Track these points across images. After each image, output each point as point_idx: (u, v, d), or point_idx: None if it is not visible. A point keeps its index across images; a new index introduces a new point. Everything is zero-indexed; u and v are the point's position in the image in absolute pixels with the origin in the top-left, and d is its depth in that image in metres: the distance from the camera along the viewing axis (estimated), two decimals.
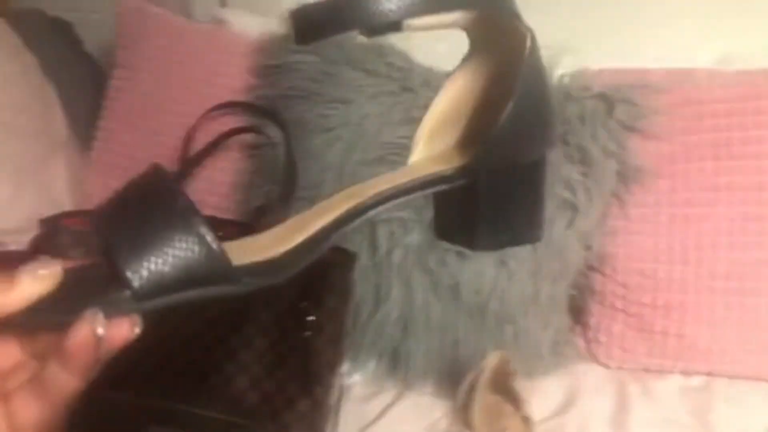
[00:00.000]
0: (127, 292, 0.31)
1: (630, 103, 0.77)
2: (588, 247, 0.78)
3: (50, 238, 0.74)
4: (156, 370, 0.66)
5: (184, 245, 0.31)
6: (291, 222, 0.38)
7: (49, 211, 0.89)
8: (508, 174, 0.39)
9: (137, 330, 0.31)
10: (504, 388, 0.70)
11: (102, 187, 0.98)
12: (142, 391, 0.63)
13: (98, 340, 0.30)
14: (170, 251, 0.31)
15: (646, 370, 0.79)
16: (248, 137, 0.89)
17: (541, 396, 0.75)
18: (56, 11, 1.16)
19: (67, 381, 0.30)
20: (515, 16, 0.36)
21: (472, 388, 0.69)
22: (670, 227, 0.75)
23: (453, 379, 0.77)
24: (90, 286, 0.31)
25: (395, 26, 0.33)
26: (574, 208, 0.74)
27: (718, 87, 0.76)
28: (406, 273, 0.76)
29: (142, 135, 0.96)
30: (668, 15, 0.89)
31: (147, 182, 0.34)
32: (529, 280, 0.75)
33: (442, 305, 0.76)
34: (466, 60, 0.40)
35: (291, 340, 0.67)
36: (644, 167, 0.76)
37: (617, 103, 0.76)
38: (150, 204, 0.33)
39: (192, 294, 0.32)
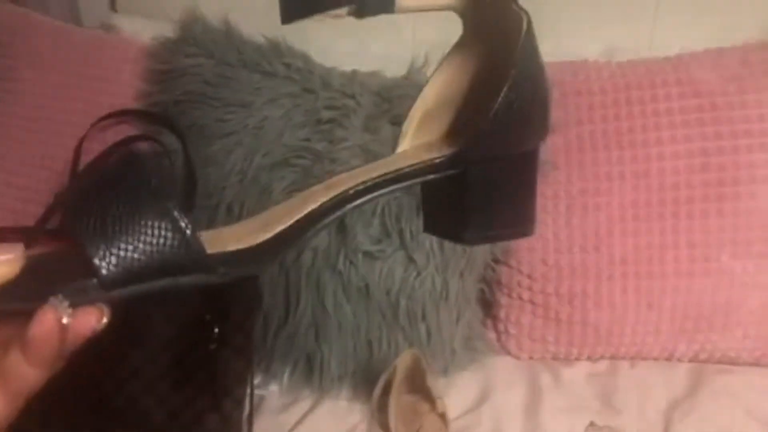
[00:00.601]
0: (95, 280, 0.28)
1: None
2: None
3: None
4: (57, 394, 0.62)
5: (156, 231, 0.29)
6: (270, 212, 0.35)
7: None
8: (500, 164, 0.37)
9: (105, 320, 0.29)
10: (418, 386, 0.69)
11: None
12: (45, 421, 0.59)
13: (63, 329, 0.28)
14: (142, 237, 0.29)
15: (556, 359, 0.81)
16: (144, 146, 0.85)
17: (456, 392, 0.75)
18: None
19: (28, 372, 0.28)
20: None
21: (386, 390, 0.69)
22: (569, 217, 0.77)
23: (369, 381, 0.76)
24: (56, 273, 0.29)
25: (388, 6, 0.33)
26: None
27: (605, 78, 0.79)
28: (316, 277, 0.75)
29: (29, 149, 0.89)
30: (557, 8, 0.92)
31: (117, 161, 0.32)
32: (437, 277, 0.75)
33: (354, 307, 0.75)
34: (458, 45, 0.39)
35: (197, 354, 0.65)
36: (543, 159, 0.78)
37: None
38: (120, 185, 0.30)
39: (164, 283, 0.30)
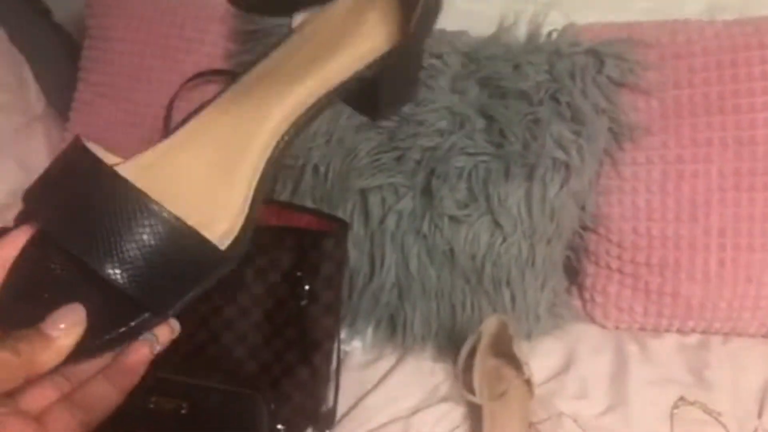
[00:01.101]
0: (147, 315, 0.32)
1: (620, 58, 0.75)
2: (582, 207, 0.78)
3: (30, 212, 0.72)
4: None
5: (182, 257, 0.31)
6: (211, 147, 0.36)
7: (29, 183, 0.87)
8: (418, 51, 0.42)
9: (177, 329, 0.34)
10: (503, 351, 0.69)
11: None
12: None
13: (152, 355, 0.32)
14: (171, 266, 0.31)
15: (643, 329, 0.79)
16: None
17: (540, 357, 0.75)
18: None
19: (111, 396, 0.32)
20: None
21: (471, 353, 0.69)
22: (663, 184, 0.75)
23: (452, 343, 0.77)
24: (109, 319, 0.31)
25: None
26: (567, 167, 0.73)
27: (708, 39, 0.75)
28: (400, 239, 0.75)
29: (118, 106, 0.93)
30: None
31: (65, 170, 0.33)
32: (524, 243, 0.74)
33: (438, 270, 0.75)
34: None
35: (287, 310, 0.66)
36: (636, 124, 0.75)
37: (606, 59, 0.75)
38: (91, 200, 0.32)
39: (199, 290, 0.33)
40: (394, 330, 0.78)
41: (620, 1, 0.84)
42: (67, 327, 0.30)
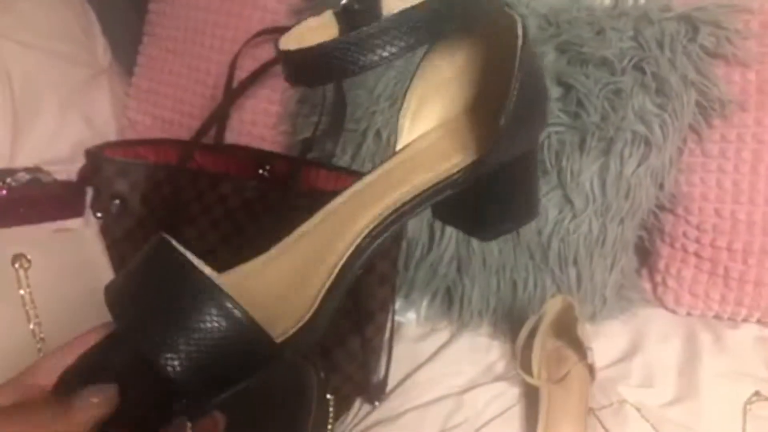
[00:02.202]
0: (184, 401, 0.30)
1: (716, 26, 0.69)
2: (660, 186, 0.72)
3: (95, 169, 0.72)
4: None
5: (228, 340, 0.30)
6: (295, 253, 0.36)
7: (93, 139, 0.87)
8: (511, 166, 0.38)
9: (222, 425, 0.33)
10: (566, 333, 0.66)
11: (144, 114, 0.95)
12: None
13: None
14: (215, 348, 0.30)
15: (718, 318, 0.74)
16: None
17: (605, 341, 0.71)
18: None
19: None
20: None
21: (532, 332, 0.66)
22: (755, 165, 0.69)
23: (510, 320, 0.74)
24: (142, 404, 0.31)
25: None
26: (647, 143, 0.68)
27: None
28: None
29: (183, 61, 0.92)
30: None
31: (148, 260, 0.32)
32: (595, 221, 0.70)
33: (500, 245, 0.72)
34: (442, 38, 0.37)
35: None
36: (728, 98, 0.69)
37: (701, 26, 0.68)
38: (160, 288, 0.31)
39: (240, 384, 0.31)
40: (451, 304, 0.76)
41: None
42: (93, 402, 0.29)
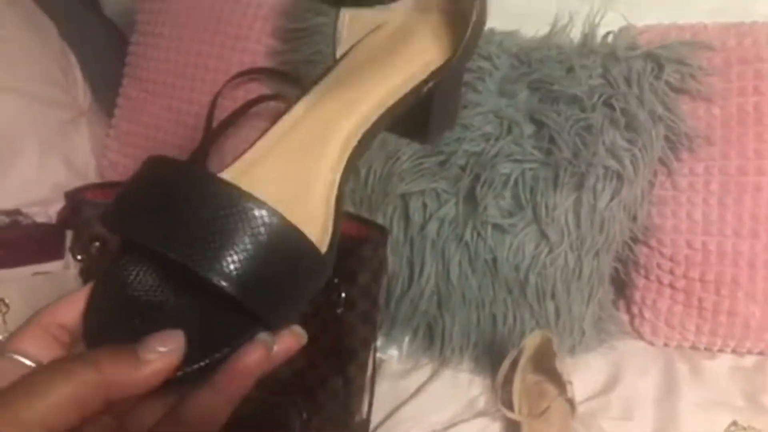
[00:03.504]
0: (260, 329, 0.28)
1: (680, 63, 0.71)
2: (633, 218, 0.74)
3: (75, 211, 0.72)
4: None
5: (290, 260, 0.29)
6: (287, 155, 0.35)
7: (73, 181, 0.88)
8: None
9: (304, 337, 0.30)
10: (546, 368, 0.67)
11: (124, 155, 0.96)
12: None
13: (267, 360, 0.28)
14: (264, 254, 0.28)
15: (695, 348, 0.75)
16: (274, 104, 0.85)
17: (584, 373, 0.72)
18: None
19: (220, 408, 0.28)
20: None
21: (512, 367, 0.67)
22: (722, 197, 0.70)
23: (491, 355, 0.74)
24: (213, 339, 0.28)
25: None
26: (619, 177, 0.70)
27: None
28: (441, 247, 0.73)
29: (163, 103, 0.93)
30: None
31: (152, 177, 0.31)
32: (571, 254, 0.71)
33: (479, 280, 0.73)
34: None
35: (323, 317, 0.65)
36: (695, 133, 0.71)
37: (666, 63, 0.71)
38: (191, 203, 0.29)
39: (307, 299, 0.30)
40: (432, 340, 0.76)
41: (683, 1, 0.80)
42: (163, 351, 0.26)
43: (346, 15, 0.41)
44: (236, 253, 0.27)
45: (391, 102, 0.37)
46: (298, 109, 0.37)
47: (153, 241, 0.28)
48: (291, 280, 0.29)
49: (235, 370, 0.27)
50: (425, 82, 0.39)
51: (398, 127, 0.42)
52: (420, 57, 0.40)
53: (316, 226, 0.33)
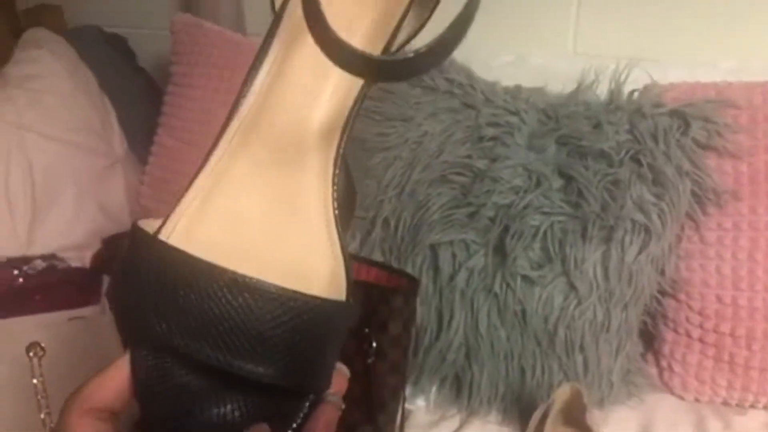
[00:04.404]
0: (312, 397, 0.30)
1: (706, 120, 0.73)
2: (661, 272, 0.74)
3: (112, 257, 0.74)
4: None
5: (312, 328, 0.29)
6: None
7: (107, 226, 0.90)
8: None
9: (347, 372, 0.33)
10: (576, 421, 0.66)
11: (158, 201, 0.98)
12: None
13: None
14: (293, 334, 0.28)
15: (726, 404, 0.75)
16: None
17: (614, 427, 0.71)
18: (112, 27, 1.17)
19: None
20: None
21: (542, 420, 0.66)
22: (752, 252, 0.71)
23: (520, 406, 0.74)
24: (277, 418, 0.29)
25: None
26: (647, 231, 0.71)
27: None
28: (470, 297, 0.73)
29: (196, 152, 0.95)
30: (743, 19, 0.85)
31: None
32: (599, 307, 0.71)
33: (508, 331, 0.73)
34: None
35: (354, 367, 0.65)
36: (722, 188, 0.72)
37: (692, 120, 0.72)
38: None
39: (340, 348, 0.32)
40: (460, 390, 0.76)
41: (705, 59, 0.82)
42: None
43: None
44: (274, 348, 0.28)
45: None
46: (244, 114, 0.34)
47: (190, 349, 0.28)
48: (328, 347, 0.30)
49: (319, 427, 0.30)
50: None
51: None
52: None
53: (320, 246, 0.32)
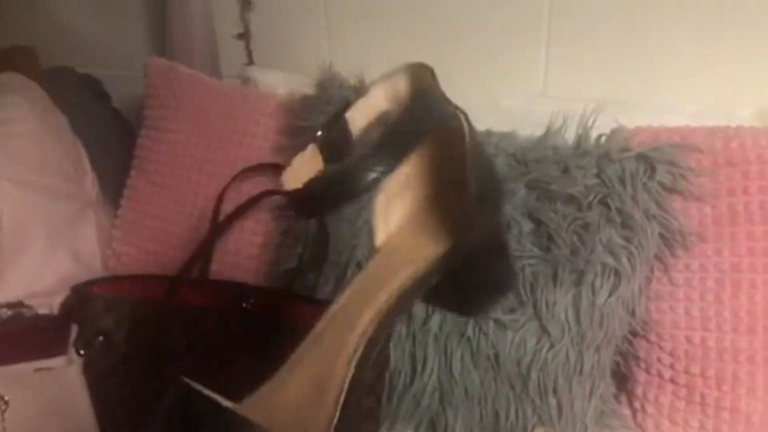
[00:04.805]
0: None
1: (671, 164, 0.74)
2: (632, 313, 0.75)
3: (82, 305, 0.73)
4: None
5: None
6: (309, 364, 0.36)
7: (79, 272, 0.89)
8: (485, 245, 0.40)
9: None
10: None
11: (130, 245, 0.97)
12: None
13: None
14: None
15: None
16: (278, 198, 0.88)
17: None
18: (86, 68, 1.17)
19: None
20: (447, 102, 0.37)
21: None
22: (719, 294, 0.72)
23: None
24: None
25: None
26: (617, 273, 0.71)
27: (763, 146, 0.73)
28: (444, 341, 0.73)
29: (169, 195, 0.95)
30: (703, 64, 0.87)
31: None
32: (572, 350, 0.72)
33: (482, 375, 0.73)
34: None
35: None
36: (688, 230, 0.74)
37: (658, 165, 0.74)
38: None
39: None
40: None
41: (669, 104, 0.84)
42: None
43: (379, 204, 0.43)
44: None
45: (393, 299, 0.38)
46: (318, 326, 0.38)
47: None
48: None
49: None
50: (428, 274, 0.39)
51: (438, 302, 0.44)
52: (423, 250, 0.41)
53: (323, 420, 0.34)
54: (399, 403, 0.76)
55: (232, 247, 0.89)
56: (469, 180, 0.37)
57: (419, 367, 0.74)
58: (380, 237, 0.43)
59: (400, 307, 0.38)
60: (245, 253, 0.89)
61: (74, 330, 0.71)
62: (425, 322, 0.74)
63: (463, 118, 0.38)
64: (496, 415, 0.74)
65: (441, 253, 0.40)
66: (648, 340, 0.76)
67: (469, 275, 0.41)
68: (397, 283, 0.39)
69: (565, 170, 0.74)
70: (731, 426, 0.72)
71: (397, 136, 0.35)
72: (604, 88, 0.93)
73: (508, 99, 0.94)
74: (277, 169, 0.89)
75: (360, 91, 0.86)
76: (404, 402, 0.75)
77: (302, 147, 0.90)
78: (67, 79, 1.15)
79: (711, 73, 0.88)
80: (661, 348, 0.75)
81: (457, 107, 0.38)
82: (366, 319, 0.37)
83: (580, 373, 0.73)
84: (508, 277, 0.47)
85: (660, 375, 0.75)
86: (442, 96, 0.37)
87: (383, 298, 0.38)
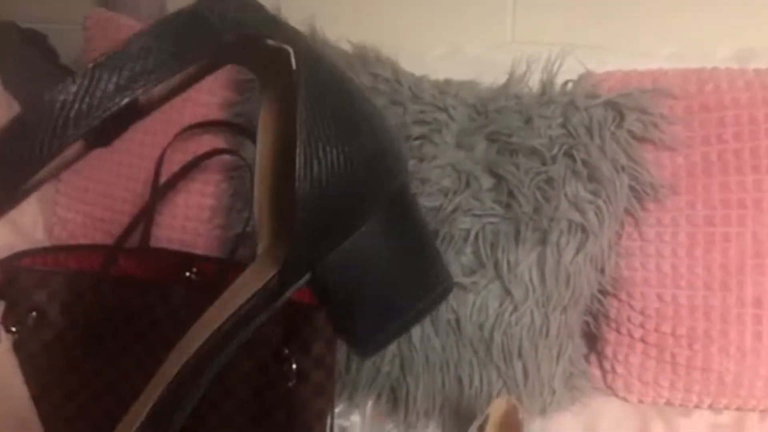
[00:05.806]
0: None
1: (641, 111, 0.69)
2: (601, 270, 0.71)
3: (10, 281, 0.68)
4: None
5: None
6: None
7: (18, 243, 0.83)
8: (356, 244, 0.28)
9: None
10: None
11: (75, 212, 0.91)
12: None
13: None
14: None
15: (670, 405, 0.72)
16: (227, 158, 0.82)
17: None
18: (29, 22, 1.10)
19: None
20: (270, 31, 0.26)
21: None
22: (691, 248, 0.68)
23: (458, 418, 0.70)
24: None
25: None
26: (584, 230, 0.67)
27: (739, 89, 0.69)
28: None
29: (113, 157, 0.89)
30: (680, 5, 0.82)
31: None
32: (537, 312, 0.68)
33: (443, 341, 0.69)
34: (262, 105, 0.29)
35: (275, 390, 0.61)
36: (659, 182, 0.69)
37: (627, 112, 0.69)
38: None
39: None
40: (396, 404, 0.72)
41: (642, 46, 0.78)
42: None
43: None
44: None
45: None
46: None
47: None
48: None
49: None
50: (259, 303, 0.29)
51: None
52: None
53: None
54: (358, 373, 0.72)
55: (180, 211, 0.84)
56: (300, 156, 0.25)
57: None
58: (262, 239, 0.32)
59: (214, 350, 0.29)
60: (195, 217, 0.83)
61: (2, 307, 0.67)
62: None
63: (290, 50, 0.27)
64: (460, 381, 0.70)
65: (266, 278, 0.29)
66: (618, 299, 0.72)
67: (339, 299, 0.30)
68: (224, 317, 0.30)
69: (528, 120, 0.69)
70: (703, 385, 0.69)
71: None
72: (577, 32, 0.87)
73: (475, 47, 0.88)
74: (226, 125, 0.83)
75: (312, 39, 0.80)
76: (363, 371, 0.72)
77: (249, 101, 0.84)
78: (8, 33, 1.07)
79: (689, 12, 0.82)
80: (631, 306, 0.71)
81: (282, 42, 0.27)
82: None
83: (547, 335, 0.69)
84: (420, 284, 0.31)
85: (630, 334, 0.72)
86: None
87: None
